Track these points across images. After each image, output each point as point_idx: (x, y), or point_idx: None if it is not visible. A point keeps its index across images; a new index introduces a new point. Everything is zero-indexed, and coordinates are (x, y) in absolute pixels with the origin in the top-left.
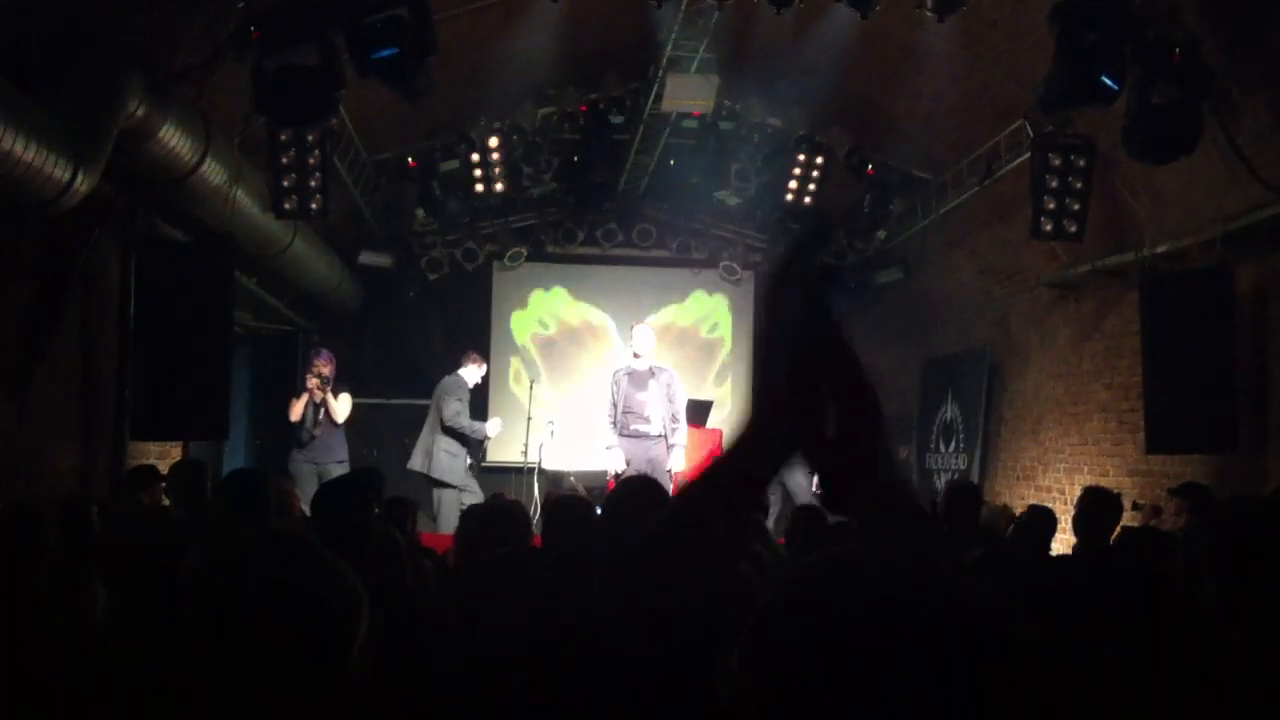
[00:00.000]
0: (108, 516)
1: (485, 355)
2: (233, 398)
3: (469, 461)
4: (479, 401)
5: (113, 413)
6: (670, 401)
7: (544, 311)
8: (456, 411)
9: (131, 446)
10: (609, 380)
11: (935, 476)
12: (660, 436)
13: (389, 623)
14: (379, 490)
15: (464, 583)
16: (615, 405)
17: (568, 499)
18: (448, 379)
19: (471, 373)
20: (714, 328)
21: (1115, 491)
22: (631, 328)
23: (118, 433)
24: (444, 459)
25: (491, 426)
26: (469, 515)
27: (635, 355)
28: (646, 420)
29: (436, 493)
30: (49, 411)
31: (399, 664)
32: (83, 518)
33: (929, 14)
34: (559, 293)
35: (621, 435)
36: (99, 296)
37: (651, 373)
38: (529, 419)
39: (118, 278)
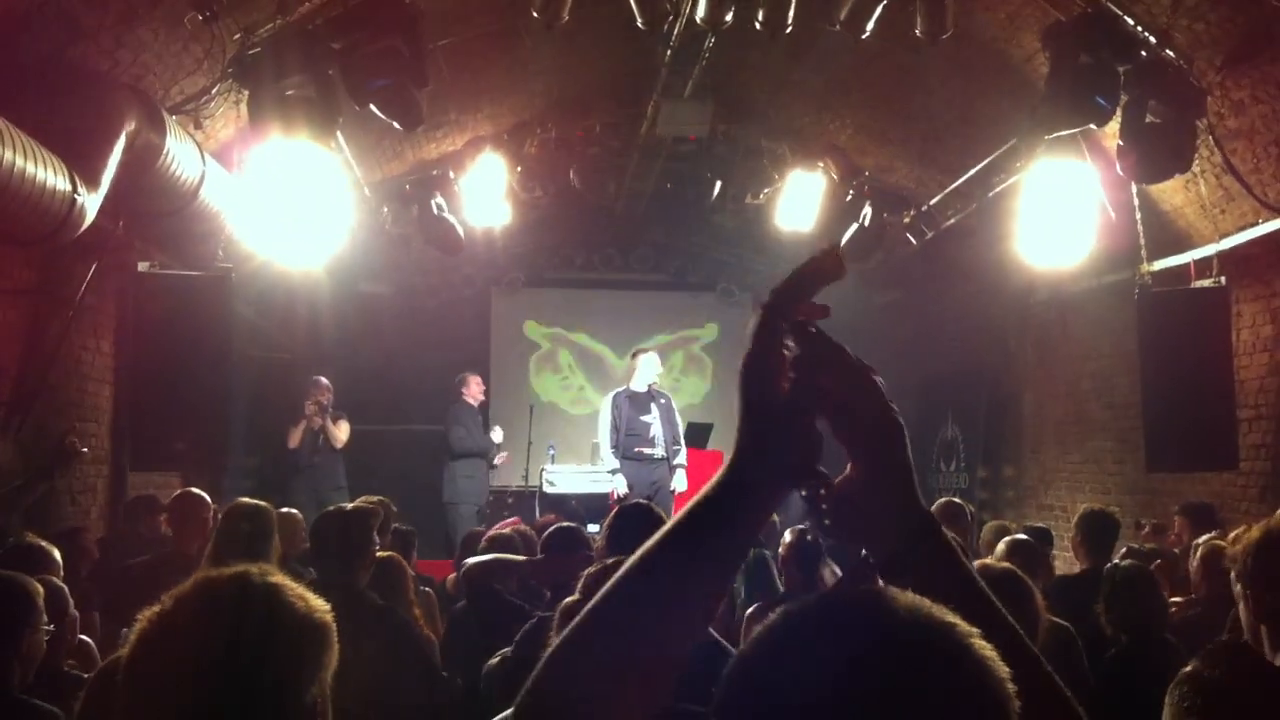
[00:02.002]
0: (107, 547)
1: (485, 380)
2: (231, 426)
3: (495, 435)
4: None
5: (111, 444)
6: (671, 424)
7: (541, 336)
8: (460, 437)
9: (131, 477)
10: (606, 404)
11: (936, 496)
12: (664, 459)
13: (392, 647)
14: (386, 521)
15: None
16: (617, 429)
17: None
18: (452, 407)
19: (472, 393)
20: (711, 350)
21: (1111, 510)
22: (634, 353)
23: (116, 464)
24: (462, 483)
25: (495, 434)
26: (468, 546)
27: (639, 379)
28: (651, 443)
29: (453, 517)
30: (48, 443)
31: (402, 688)
32: (81, 548)
33: (921, 36)
34: (556, 317)
35: (624, 458)
36: (98, 328)
37: (651, 395)
38: (529, 443)
39: (116, 309)
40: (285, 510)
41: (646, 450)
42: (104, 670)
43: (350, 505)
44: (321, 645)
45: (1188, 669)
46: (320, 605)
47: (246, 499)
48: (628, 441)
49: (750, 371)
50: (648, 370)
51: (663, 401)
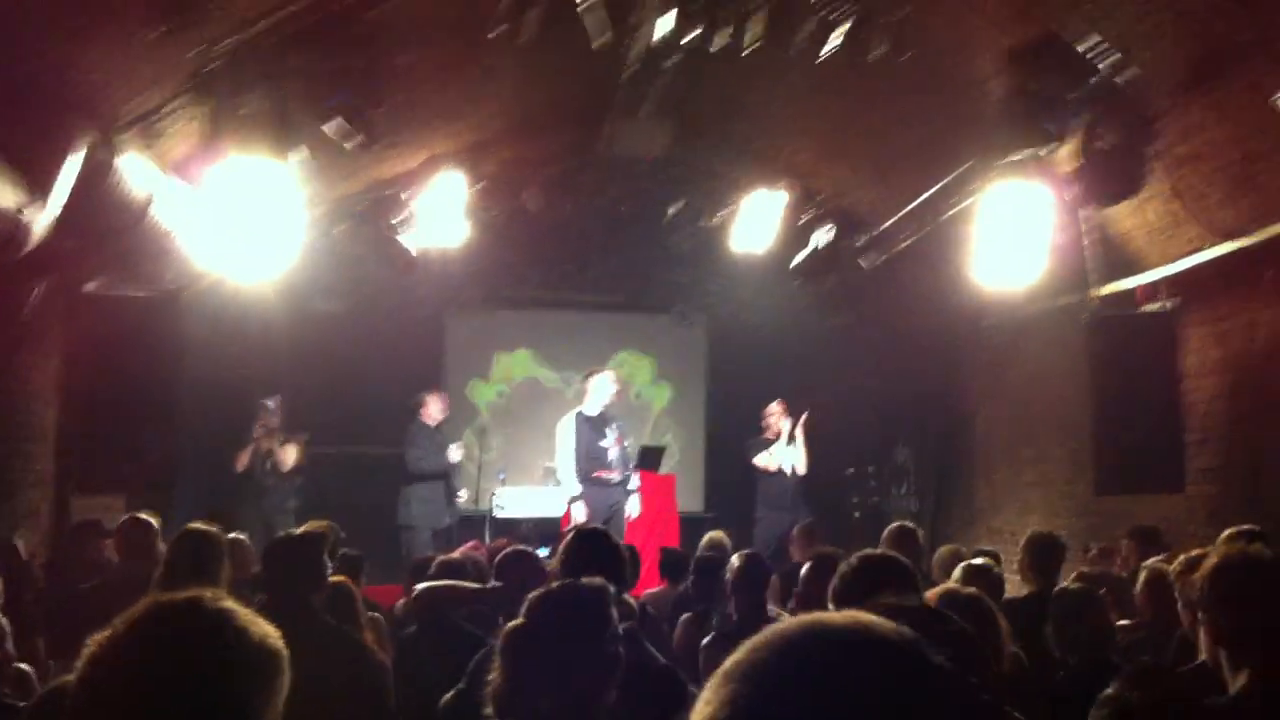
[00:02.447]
0: (50, 571)
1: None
2: (180, 448)
3: (460, 498)
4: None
5: (55, 467)
6: (624, 446)
7: (495, 357)
8: (417, 459)
9: (75, 500)
10: (566, 427)
11: (888, 519)
12: (621, 483)
13: (346, 672)
14: (335, 545)
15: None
16: (578, 453)
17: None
18: (409, 428)
19: (432, 412)
20: (664, 371)
21: (1056, 533)
22: (589, 374)
23: (60, 487)
24: (416, 505)
25: (453, 452)
26: (418, 571)
27: (593, 402)
28: (609, 467)
29: (406, 540)
30: None
31: (355, 712)
32: (25, 572)
33: (877, 60)
34: (511, 338)
35: (584, 482)
36: (45, 348)
37: (605, 418)
38: (479, 466)
39: (63, 329)
40: (233, 536)
41: (605, 475)
42: (44, 698)
43: (300, 530)
44: (275, 670)
45: (1108, 691)
46: (272, 631)
47: (197, 524)
48: (588, 465)
49: None
50: (601, 392)
51: (616, 424)
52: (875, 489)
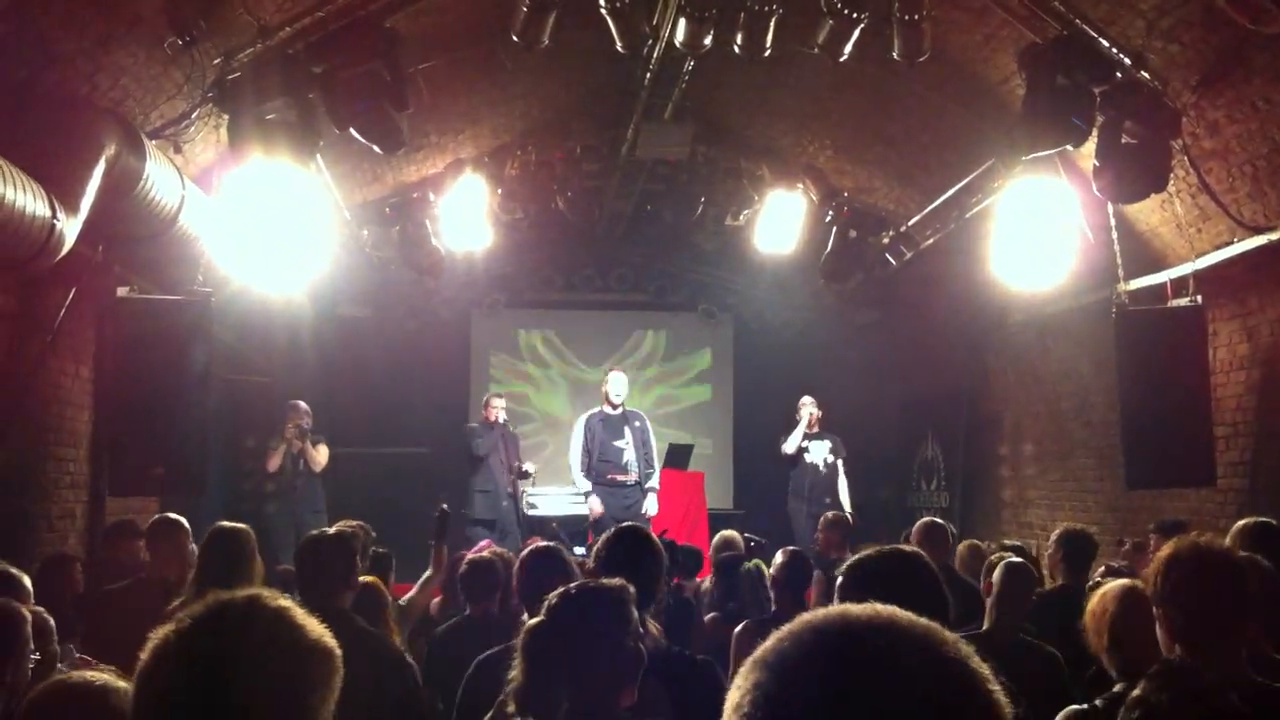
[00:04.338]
0: (86, 572)
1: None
2: (209, 450)
3: (529, 471)
4: None
5: (89, 470)
6: (645, 446)
7: (521, 358)
8: (479, 445)
9: (109, 502)
10: (580, 427)
11: (917, 515)
12: (636, 484)
13: (377, 674)
14: (366, 545)
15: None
16: (589, 453)
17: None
18: (473, 425)
19: (492, 412)
20: (692, 370)
21: (1090, 530)
22: (606, 373)
23: (95, 489)
24: (478, 499)
25: (529, 465)
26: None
27: (609, 400)
28: (624, 469)
29: (471, 532)
30: (25, 469)
31: (384, 712)
32: (67, 576)
33: (898, 59)
34: (536, 338)
35: (596, 484)
36: (76, 353)
37: (625, 418)
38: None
39: (95, 334)
40: None
41: (619, 477)
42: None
43: (332, 529)
44: (332, 669)
45: (1136, 693)
46: (325, 631)
47: (227, 523)
48: (600, 467)
49: None
50: (613, 389)
51: (637, 424)
52: (901, 484)
